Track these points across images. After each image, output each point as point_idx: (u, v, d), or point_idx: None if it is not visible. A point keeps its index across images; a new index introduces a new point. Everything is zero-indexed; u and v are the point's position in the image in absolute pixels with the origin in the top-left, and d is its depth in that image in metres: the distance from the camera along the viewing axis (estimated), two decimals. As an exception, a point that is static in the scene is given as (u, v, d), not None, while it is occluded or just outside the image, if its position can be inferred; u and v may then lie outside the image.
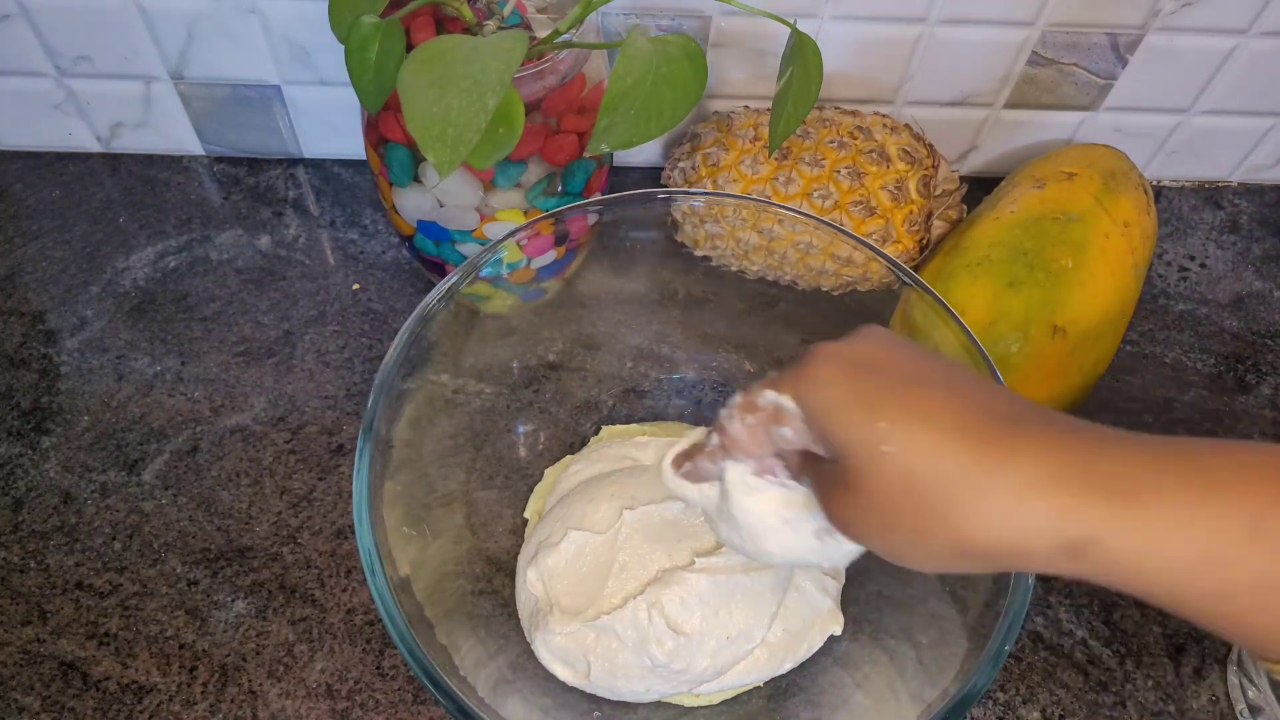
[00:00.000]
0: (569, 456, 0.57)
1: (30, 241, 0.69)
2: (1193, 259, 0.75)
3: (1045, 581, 0.57)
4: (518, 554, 0.54)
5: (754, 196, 0.63)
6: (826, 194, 0.62)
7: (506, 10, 0.53)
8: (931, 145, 0.65)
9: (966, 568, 0.29)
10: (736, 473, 0.36)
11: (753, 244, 0.58)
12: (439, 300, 0.47)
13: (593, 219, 0.53)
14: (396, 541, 0.43)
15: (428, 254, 0.60)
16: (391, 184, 0.56)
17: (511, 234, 0.50)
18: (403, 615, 0.40)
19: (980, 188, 0.69)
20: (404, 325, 0.46)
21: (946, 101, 0.71)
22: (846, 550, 0.36)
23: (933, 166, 0.64)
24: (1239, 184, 0.80)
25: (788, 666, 0.49)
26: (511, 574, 0.53)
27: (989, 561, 0.29)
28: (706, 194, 0.61)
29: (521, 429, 0.58)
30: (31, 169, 0.73)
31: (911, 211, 0.63)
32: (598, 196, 0.51)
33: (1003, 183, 0.67)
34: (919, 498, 0.29)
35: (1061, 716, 0.53)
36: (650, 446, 0.54)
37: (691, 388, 0.61)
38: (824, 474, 0.33)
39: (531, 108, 0.52)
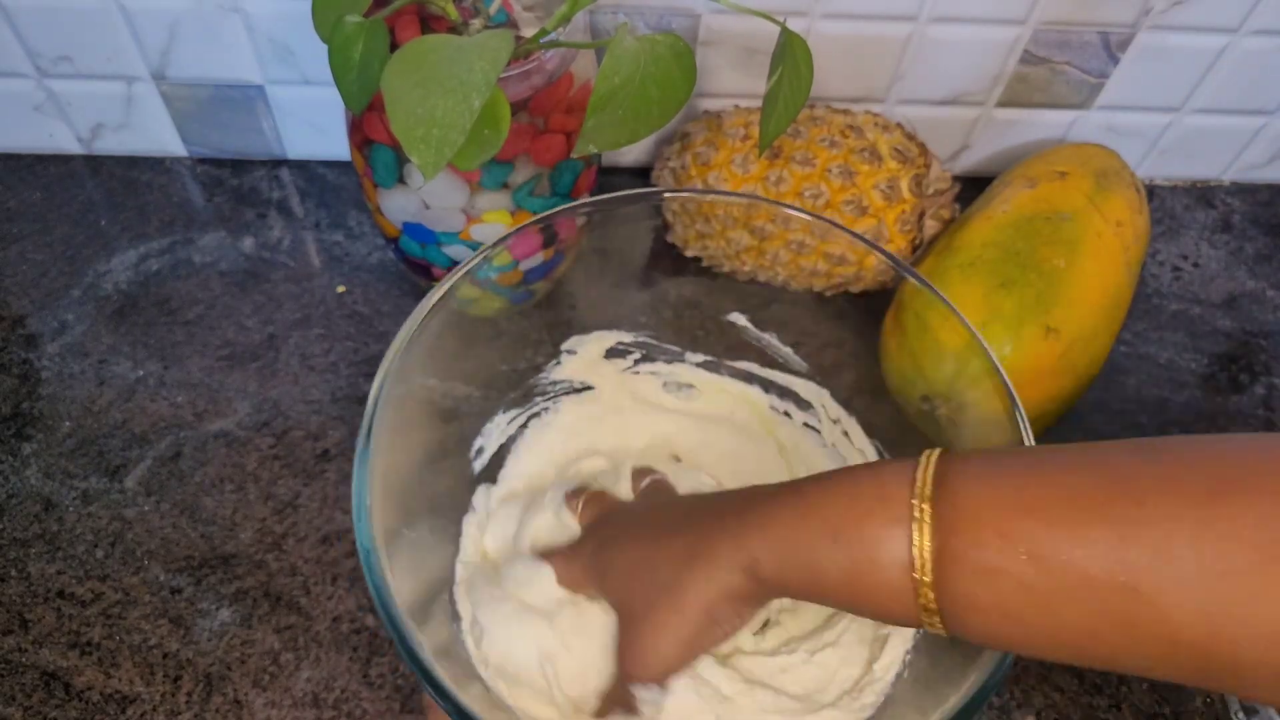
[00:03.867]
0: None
1: (10, 244, 0.68)
2: (1185, 258, 0.75)
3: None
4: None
5: (745, 194, 0.63)
6: (818, 193, 0.62)
7: (492, 9, 0.52)
8: (923, 144, 0.65)
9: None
10: None
11: (744, 244, 0.58)
12: (439, 301, 0.47)
13: (581, 221, 0.52)
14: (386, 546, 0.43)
15: (414, 256, 0.60)
16: (376, 185, 0.56)
17: (506, 237, 0.49)
18: (401, 614, 0.39)
19: (972, 187, 0.69)
20: (407, 326, 0.46)
21: (938, 100, 0.71)
22: None
23: (925, 165, 0.63)
24: (1231, 183, 0.80)
25: None
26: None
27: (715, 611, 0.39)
28: (697, 191, 0.61)
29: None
30: (11, 171, 0.72)
31: (904, 211, 0.62)
32: (586, 198, 0.51)
33: (995, 182, 0.67)
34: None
35: (1056, 721, 0.53)
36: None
37: (682, 390, 0.60)
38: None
39: (518, 107, 0.51)
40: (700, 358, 0.59)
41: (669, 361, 0.59)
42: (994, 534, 0.31)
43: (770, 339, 0.56)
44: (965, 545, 0.32)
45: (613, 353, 0.58)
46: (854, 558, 0.34)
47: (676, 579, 0.39)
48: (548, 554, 0.47)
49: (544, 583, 0.46)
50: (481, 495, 0.54)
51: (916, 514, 0.33)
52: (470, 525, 0.52)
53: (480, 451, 0.54)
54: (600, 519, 0.47)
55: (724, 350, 0.58)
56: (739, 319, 0.57)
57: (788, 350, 0.56)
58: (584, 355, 0.57)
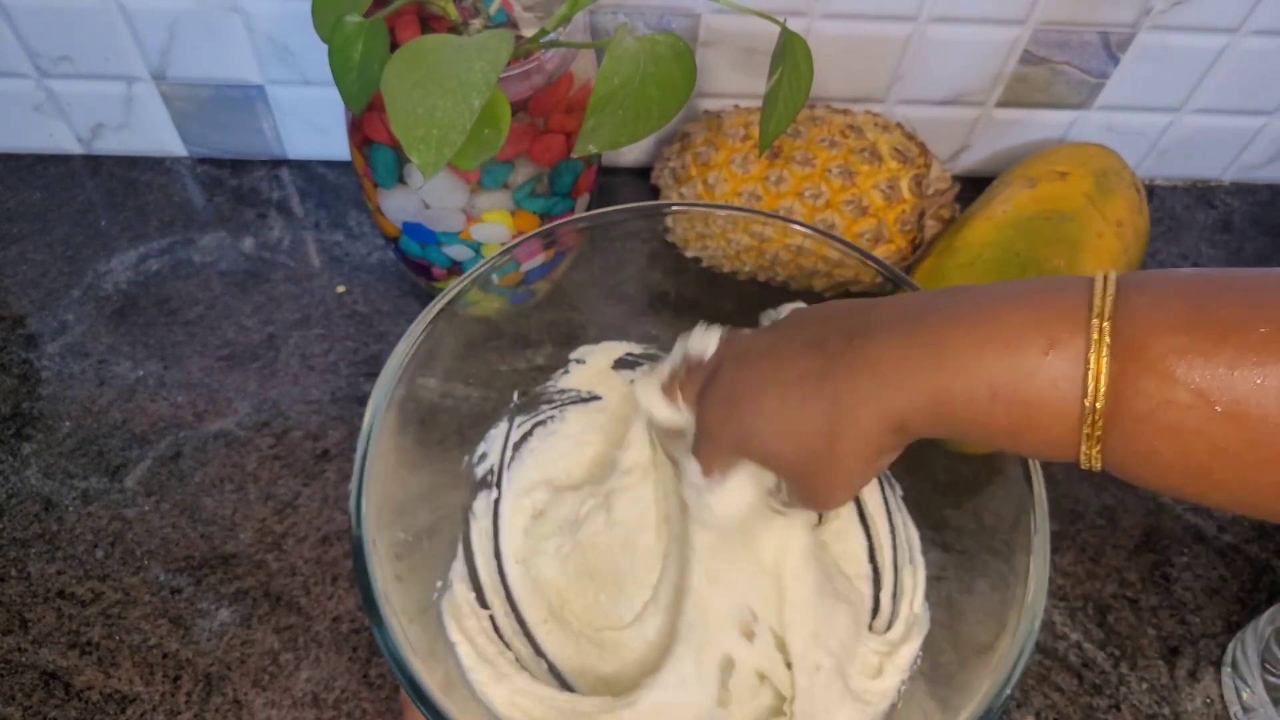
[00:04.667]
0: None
1: (10, 245, 0.68)
2: (1185, 258, 0.75)
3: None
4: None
5: (742, 207, 0.63)
6: (818, 193, 0.62)
7: (492, 9, 0.52)
8: (923, 144, 0.65)
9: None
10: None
11: (744, 245, 0.58)
12: (446, 304, 0.47)
13: (583, 224, 0.52)
14: (386, 549, 0.43)
15: (414, 256, 0.59)
16: (376, 185, 0.56)
17: (511, 247, 0.49)
18: (399, 626, 0.39)
19: (973, 187, 0.69)
20: (413, 329, 0.46)
21: (938, 100, 0.71)
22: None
23: (925, 165, 0.63)
24: (1231, 183, 0.80)
25: None
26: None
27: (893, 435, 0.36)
28: (696, 205, 0.61)
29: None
30: (11, 171, 0.72)
31: (904, 211, 0.62)
32: (585, 212, 0.51)
33: (995, 182, 0.67)
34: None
35: (1056, 721, 0.53)
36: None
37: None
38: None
39: (518, 107, 0.51)
40: None
41: None
42: (1188, 392, 0.29)
43: None
44: (1151, 404, 0.29)
45: (621, 363, 0.58)
46: (1016, 411, 0.31)
47: (828, 450, 0.36)
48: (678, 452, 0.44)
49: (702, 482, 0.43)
50: (483, 501, 0.54)
51: (1091, 366, 0.30)
52: (475, 532, 0.53)
53: (483, 458, 0.54)
54: (715, 393, 0.42)
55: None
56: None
57: None
58: (593, 365, 0.57)
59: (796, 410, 0.37)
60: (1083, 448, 0.31)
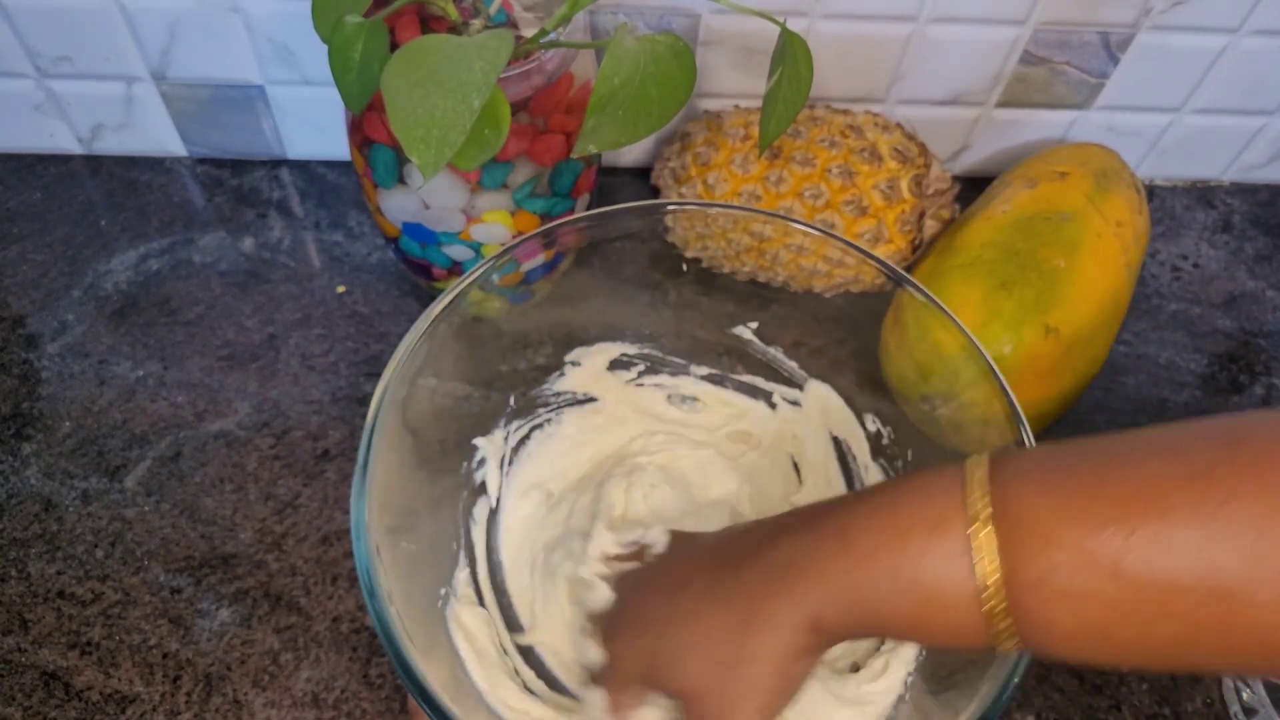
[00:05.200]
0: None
1: (10, 245, 0.68)
2: (1185, 258, 0.75)
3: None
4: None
5: (742, 206, 0.63)
6: (818, 193, 0.62)
7: (492, 9, 0.52)
8: (923, 144, 0.65)
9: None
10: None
11: (744, 245, 0.58)
12: (448, 305, 0.47)
13: (583, 225, 0.52)
14: (385, 548, 0.43)
15: (414, 256, 0.59)
16: (376, 185, 0.56)
17: (511, 248, 0.49)
18: (399, 628, 0.39)
19: (973, 187, 0.69)
20: (415, 329, 0.46)
21: (938, 100, 0.71)
22: None
23: (925, 165, 0.63)
24: (1231, 183, 0.80)
25: None
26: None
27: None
28: (696, 204, 0.61)
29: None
30: (11, 171, 0.72)
31: (904, 211, 0.62)
32: (586, 212, 0.51)
33: (995, 182, 0.67)
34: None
35: (1056, 721, 0.53)
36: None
37: (682, 390, 0.60)
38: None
39: (518, 108, 0.51)
40: (705, 370, 0.59)
41: (673, 374, 0.59)
42: (1069, 553, 0.29)
43: (775, 353, 0.56)
44: (1038, 569, 0.29)
45: (617, 364, 0.58)
46: (917, 595, 0.32)
47: (741, 651, 0.35)
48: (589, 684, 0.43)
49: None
50: (483, 507, 0.54)
51: (974, 539, 0.30)
52: (477, 534, 0.53)
53: (482, 463, 0.54)
54: (619, 624, 0.42)
55: (729, 364, 0.58)
56: (744, 332, 0.57)
57: (792, 365, 0.56)
58: (588, 367, 0.57)
59: (702, 625, 0.37)
60: (991, 628, 0.31)
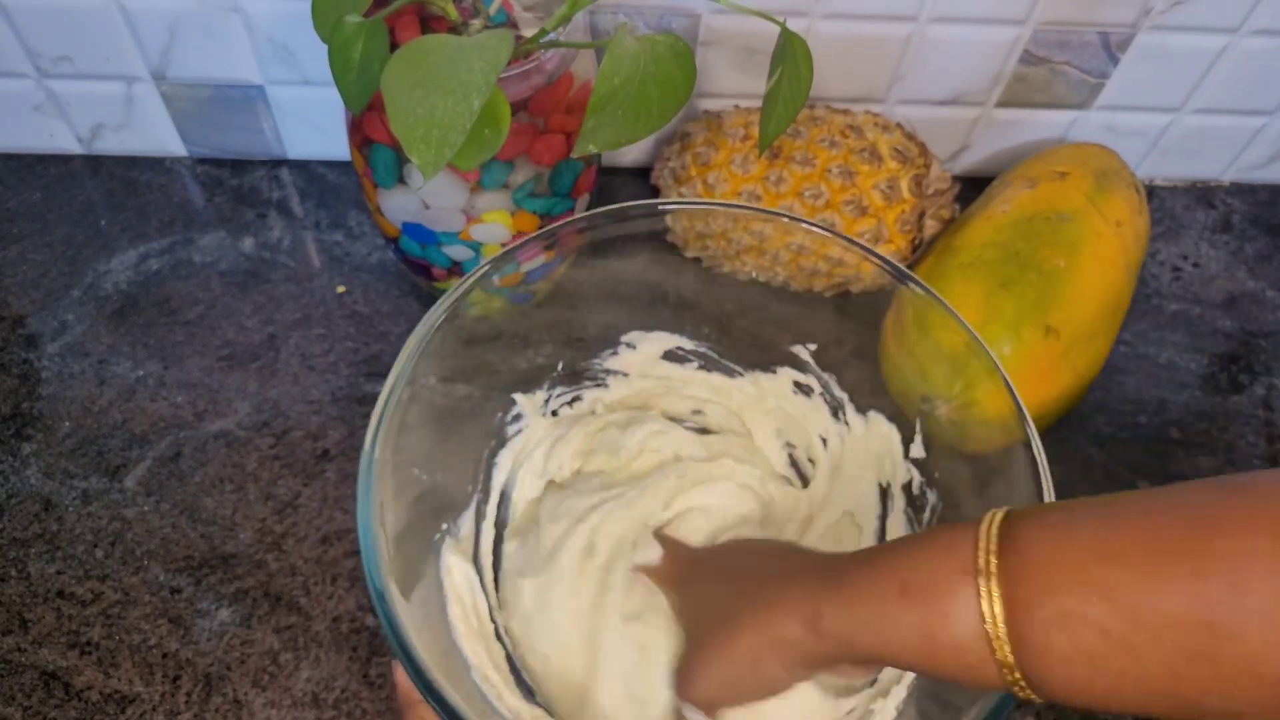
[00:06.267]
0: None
1: (10, 245, 0.68)
2: (1185, 258, 0.75)
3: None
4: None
5: (743, 204, 0.63)
6: (818, 193, 0.62)
7: (492, 9, 0.52)
8: (923, 144, 0.65)
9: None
10: None
11: (744, 245, 0.57)
12: (449, 306, 0.47)
13: (583, 224, 0.52)
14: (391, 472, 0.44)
15: (414, 256, 0.59)
16: (376, 185, 0.56)
17: (513, 249, 0.49)
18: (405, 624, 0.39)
19: (973, 187, 0.69)
20: (417, 332, 0.46)
21: (938, 100, 0.71)
22: None
23: (925, 165, 0.63)
24: (1231, 183, 0.80)
25: None
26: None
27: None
28: (695, 203, 0.61)
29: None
30: (11, 171, 0.72)
31: (904, 211, 0.62)
32: (586, 212, 0.51)
33: (995, 182, 0.67)
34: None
35: (1056, 721, 0.53)
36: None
37: (682, 390, 0.60)
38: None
39: (518, 107, 0.51)
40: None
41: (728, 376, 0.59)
42: (1066, 582, 0.31)
43: (830, 379, 0.56)
44: (1037, 595, 0.31)
45: (671, 356, 0.58)
46: (925, 614, 0.33)
47: (735, 616, 0.39)
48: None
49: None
50: (507, 455, 0.55)
51: (983, 565, 0.32)
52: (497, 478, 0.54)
53: (518, 417, 0.56)
54: (680, 568, 0.48)
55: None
56: (802, 352, 0.57)
57: (842, 395, 0.56)
58: (643, 351, 0.58)
59: (728, 638, 0.40)
60: (1008, 678, 0.32)
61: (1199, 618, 0.28)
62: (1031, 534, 0.32)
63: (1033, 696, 0.33)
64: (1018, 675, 0.32)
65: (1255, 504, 0.29)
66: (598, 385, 0.58)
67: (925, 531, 0.37)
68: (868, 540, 0.53)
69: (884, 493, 0.54)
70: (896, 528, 0.52)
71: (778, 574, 0.40)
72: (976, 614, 0.32)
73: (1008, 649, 0.32)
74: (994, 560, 0.32)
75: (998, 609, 0.32)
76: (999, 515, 0.34)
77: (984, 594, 0.32)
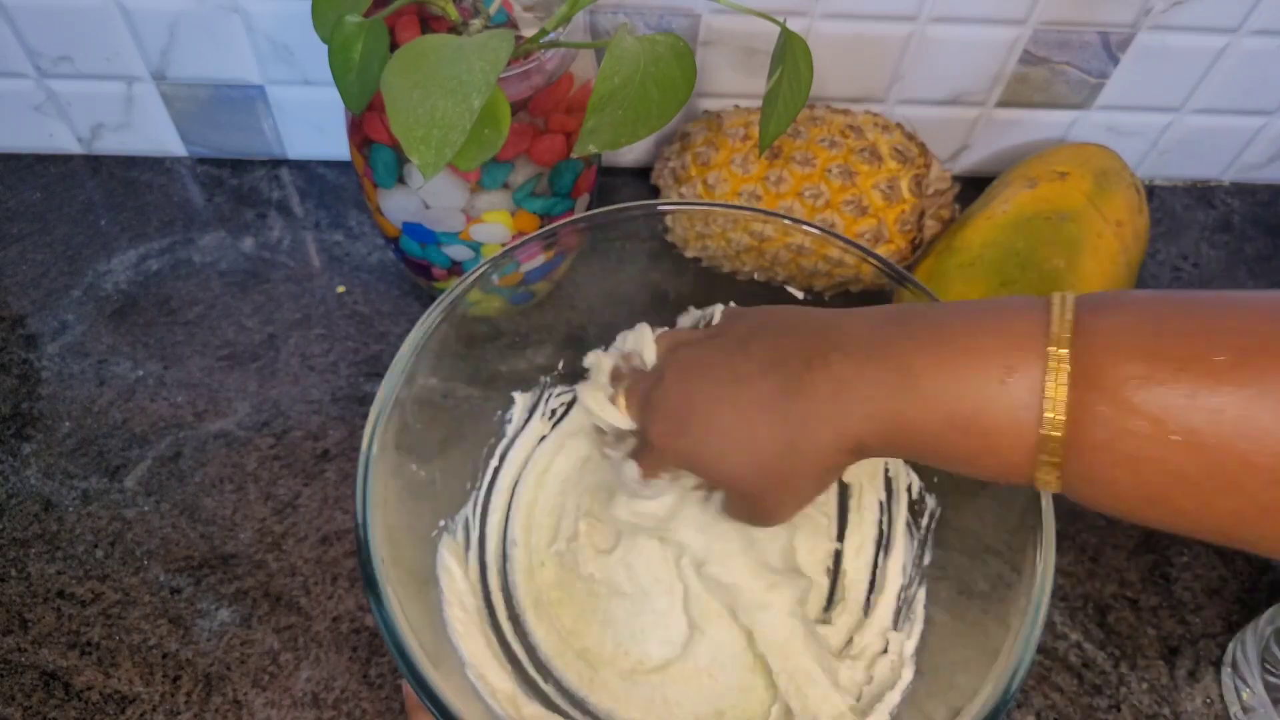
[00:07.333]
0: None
1: (10, 244, 0.68)
2: (1185, 258, 0.75)
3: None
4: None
5: (743, 205, 0.63)
6: (818, 193, 0.62)
7: (492, 9, 0.52)
8: (923, 144, 0.65)
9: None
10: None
11: (744, 245, 0.57)
12: (447, 306, 0.47)
13: (582, 225, 0.52)
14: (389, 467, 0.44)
15: (414, 256, 0.59)
16: (376, 185, 0.56)
17: (513, 249, 0.49)
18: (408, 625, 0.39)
19: (973, 187, 0.69)
20: (415, 331, 0.46)
21: (938, 100, 0.71)
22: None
23: (925, 165, 0.63)
24: (1231, 183, 0.80)
25: None
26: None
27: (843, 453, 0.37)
28: (696, 204, 0.61)
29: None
30: (11, 171, 0.72)
31: (904, 211, 0.62)
32: (586, 212, 0.51)
33: (995, 182, 0.67)
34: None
35: (1056, 721, 0.53)
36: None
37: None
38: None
39: (518, 107, 0.51)
40: None
41: None
42: (1144, 421, 0.29)
43: None
44: (1108, 432, 0.29)
45: None
46: (972, 434, 0.32)
47: (786, 468, 0.37)
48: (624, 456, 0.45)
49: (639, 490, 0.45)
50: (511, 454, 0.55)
51: (1048, 391, 0.30)
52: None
53: (510, 421, 0.56)
54: (661, 407, 0.42)
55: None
56: None
57: None
58: (648, 354, 0.58)
59: (755, 431, 0.37)
60: (1039, 474, 0.31)
61: (1242, 449, 0.27)
62: (1106, 357, 0.30)
63: (1054, 487, 0.32)
64: (1055, 484, 0.31)
65: None
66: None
67: (973, 322, 0.33)
68: (866, 546, 0.53)
69: (885, 494, 0.54)
70: (896, 532, 0.52)
71: (801, 405, 0.36)
72: (1033, 441, 0.30)
73: (1056, 473, 0.30)
74: (1064, 384, 0.30)
75: (1058, 435, 0.30)
76: (1069, 297, 0.32)
77: (1046, 422, 0.30)
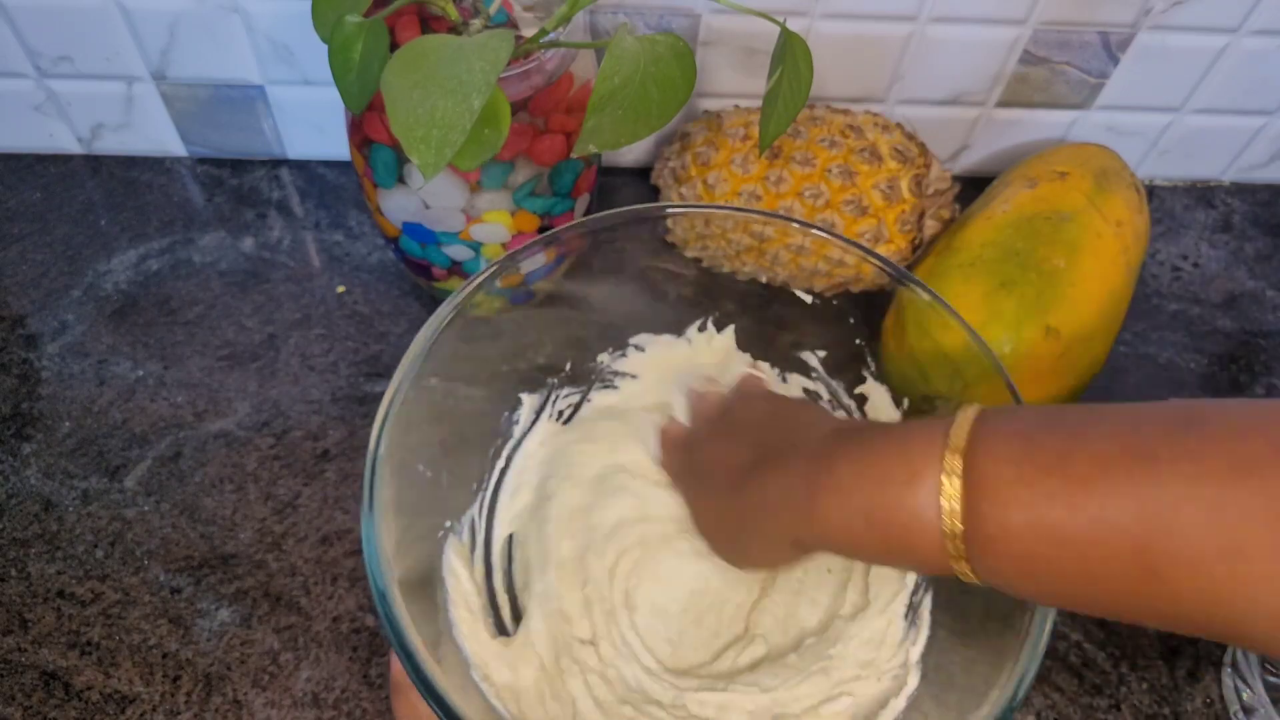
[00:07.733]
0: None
1: (10, 244, 0.68)
2: (1185, 258, 0.75)
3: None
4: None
5: (742, 207, 0.63)
6: (818, 193, 0.62)
7: (492, 9, 0.52)
8: (923, 144, 0.64)
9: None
10: None
11: (744, 245, 0.57)
12: (455, 306, 0.47)
13: (583, 228, 0.52)
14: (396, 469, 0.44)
15: (414, 256, 0.59)
16: (376, 185, 0.56)
17: (516, 254, 0.49)
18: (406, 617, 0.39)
19: (973, 187, 0.69)
20: (425, 330, 0.46)
21: (938, 100, 0.71)
22: None
23: (925, 165, 0.63)
24: (1231, 183, 0.80)
25: None
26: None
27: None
28: (696, 207, 0.61)
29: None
30: (11, 171, 0.72)
31: (904, 211, 0.62)
32: (587, 215, 0.51)
33: (995, 182, 0.67)
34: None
35: (1056, 721, 0.53)
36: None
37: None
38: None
39: (518, 107, 0.51)
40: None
41: None
42: (1021, 518, 0.32)
43: (839, 386, 0.57)
44: (994, 528, 0.33)
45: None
46: (889, 534, 0.35)
47: (743, 547, 0.45)
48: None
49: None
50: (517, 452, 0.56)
51: (944, 491, 0.34)
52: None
53: (516, 423, 0.56)
54: (680, 442, 0.52)
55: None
56: (811, 359, 0.57)
57: (851, 402, 0.56)
58: (651, 355, 0.58)
59: (723, 504, 0.46)
60: (954, 566, 0.34)
61: (1132, 547, 0.30)
62: (994, 464, 0.33)
63: (972, 579, 0.35)
64: (964, 564, 0.34)
65: (1204, 447, 0.30)
66: (606, 387, 0.58)
67: (881, 442, 0.38)
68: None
69: None
70: None
71: (761, 513, 0.42)
72: (938, 534, 0.34)
73: (963, 563, 0.34)
74: (958, 462, 0.34)
75: (958, 530, 0.33)
76: (972, 412, 0.35)
77: (946, 518, 0.34)
